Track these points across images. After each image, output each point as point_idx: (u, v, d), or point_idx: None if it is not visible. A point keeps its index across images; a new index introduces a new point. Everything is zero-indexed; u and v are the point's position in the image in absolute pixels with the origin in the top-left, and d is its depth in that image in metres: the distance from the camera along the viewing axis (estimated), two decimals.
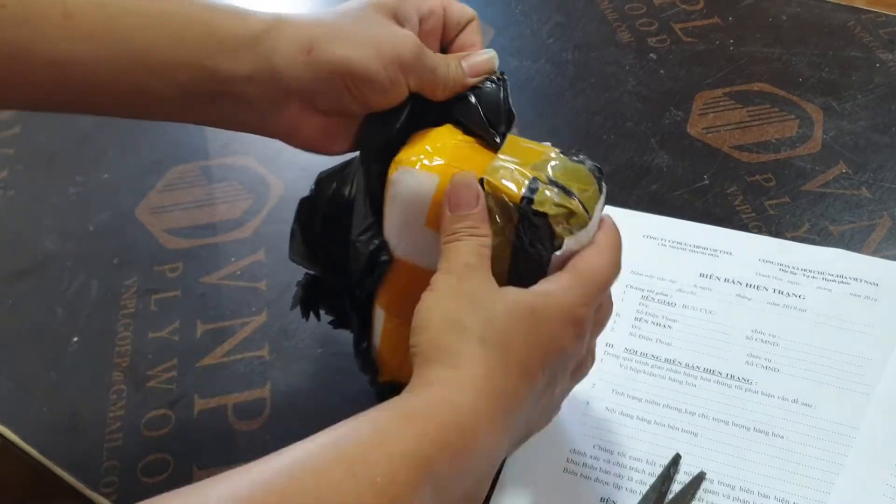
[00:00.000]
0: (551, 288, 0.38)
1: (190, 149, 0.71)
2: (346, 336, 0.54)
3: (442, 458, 0.32)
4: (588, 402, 0.50)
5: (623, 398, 0.50)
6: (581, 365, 0.42)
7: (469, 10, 0.47)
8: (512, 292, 0.38)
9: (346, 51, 0.40)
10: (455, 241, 0.38)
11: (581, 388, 0.50)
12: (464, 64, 0.44)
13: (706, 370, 0.52)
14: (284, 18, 0.41)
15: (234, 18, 0.41)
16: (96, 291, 0.59)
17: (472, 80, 0.44)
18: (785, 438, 0.48)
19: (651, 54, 0.78)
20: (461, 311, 0.37)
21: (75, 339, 0.56)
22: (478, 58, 0.44)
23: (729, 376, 0.51)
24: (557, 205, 0.38)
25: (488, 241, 0.39)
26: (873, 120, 0.69)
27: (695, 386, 0.51)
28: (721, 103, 0.72)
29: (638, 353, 0.53)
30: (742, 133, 0.69)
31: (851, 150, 0.66)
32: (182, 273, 0.60)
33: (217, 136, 0.72)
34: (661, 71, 0.76)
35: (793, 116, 0.70)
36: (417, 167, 0.41)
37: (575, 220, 0.39)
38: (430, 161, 0.41)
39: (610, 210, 0.61)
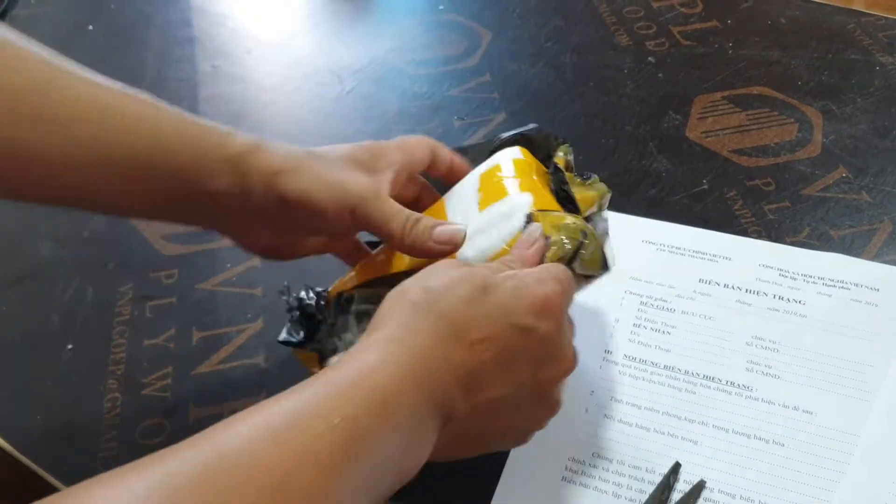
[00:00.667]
0: (520, 272, 0.40)
1: None
2: None
3: (366, 421, 0.33)
4: (587, 410, 0.49)
5: (622, 405, 0.50)
6: (565, 357, 0.41)
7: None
8: (471, 268, 0.40)
9: (303, 185, 0.44)
10: None
11: (579, 395, 0.50)
12: (434, 231, 0.45)
13: (706, 377, 0.51)
14: (262, 144, 0.45)
15: (221, 137, 0.44)
16: (91, 298, 0.59)
17: (436, 247, 0.45)
18: (786, 446, 0.47)
19: (649, 58, 0.78)
20: (412, 281, 0.39)
21: (70, 346, 0.56)
22: (448, 228, 0.45)
23: (729, 383, 0.51)
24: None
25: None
26: (873, 123, 0.68)
27: (694, 393, 0.50)
28: (720, 107, 0.72)
29: (637, 360, 0.52)
30: (741, 137, 0.68)
31: (851, 153, 0.66)
32: (178, 279, 0.60)
33: None
34: (660, 74, 0.76)
35: (792, 120, 0.70)
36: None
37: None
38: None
39: (609, 215, 0.61)
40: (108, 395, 0.52)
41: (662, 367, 0.52)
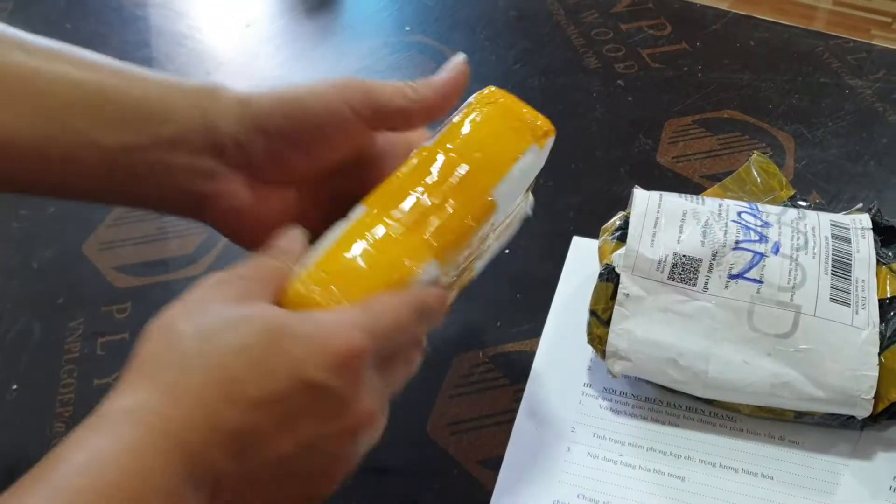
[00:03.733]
0: (320, 315, 0.33)
1: None
2: None
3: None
4: (569, 448, 0.47)
5: (605, 442, 0.47)
6: (362, 415, 0.33)
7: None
8: (258, 306, 0.32)
9: (281, 96, 0.38)
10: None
11: (560, 434, 0.48)
12: (435, 84, 0.40)
13: (689, 408, 0.49)
14: (220, 86, 0.39)
15: (164, 80, 0.39)
16: (38, 334, 0.55)
17: (443, 103, 0.40)
18: (774, 479, 0.46)
19: (619, 80, 0.77)
20: (184, 315, 0.32)
21: (14, 386, 0.52)
22: (440, 74, 0.40)
23: (713, 414, 0.49)
24: None
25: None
26: (845, 148, 0.68)
27: (678, 426, 0.48)
28: (691, 131, 0.71)
29: (617, 392, 0.50)
30: (713, 162, 0.67)
31: (825, 179, 0.65)
32: (131, 314, 0.56)
33: None
34: (630, 98, 0.75)
35: (764, 144, 0.69)
36: None
37: None
38: None
39: (580, 241, 0.60)
40: (55, 440, 0.49)
41: (643, 398, 0.50)
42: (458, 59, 0.42)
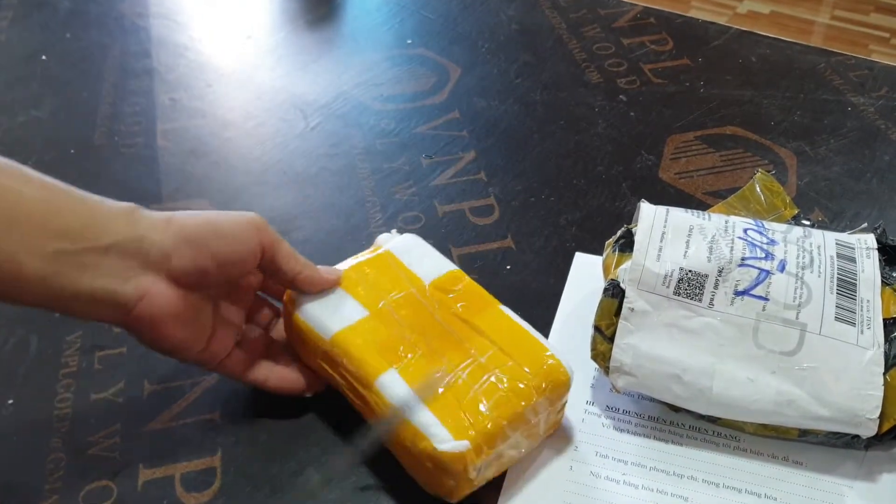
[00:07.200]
0: None
1: (140, 193, 0.66)
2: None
3: None
4: (571, 467, 0.47)
5: (608, 461, 0.47)
6: None
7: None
8: None
9: (202, 217, 0.45)
10: None
11: (563, 452, 0.47)
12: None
13: (692, 427, 0.49)
14: (140, 207, 0.44)
15: (100, 199, 0.43)
16: (35, 348, 0.55)
17: (325, 275, 0.48)
18: (778, 500, 0.45)
19: (621, 95, 0.76)
20: None
21: (10, 401, 0.51)
22: (328, 268, 0.49)
23: (716, 433, 0.48)
24: None
25: None
26: (847, 165, 0.68)
27: (681, 445, 0.48)
28: (693, 147, 0.70)
29: (620, 411, 0.50)
30: (715, 179, 0.67)
31: (827, 197, 0.65)
32: None
33: (169, 180, 0.68)
34: (632, 113, 0.74)
35: (766, 161, 0.69)
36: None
37: None
38: None
39: (583, 257, 0.59)
40: (51, 456, 0.48)
41: (647, 417, 0.49)
42: (336, 275, 0.50)
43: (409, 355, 0.45)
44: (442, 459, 0.41)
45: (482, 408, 0.42)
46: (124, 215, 0.43)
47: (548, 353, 0.45)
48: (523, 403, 0.43)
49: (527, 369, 0.44)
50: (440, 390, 0.43)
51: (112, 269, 0.42)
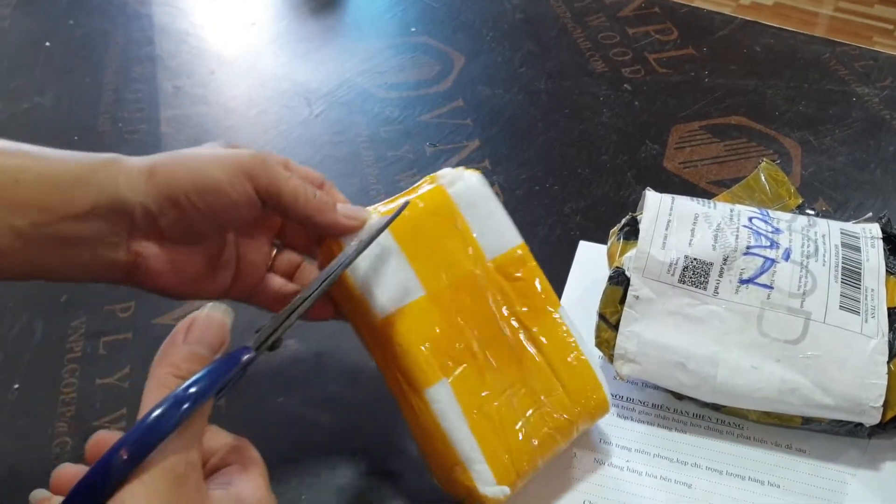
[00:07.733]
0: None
1: None
2: (303, 382, 0.50)
3: None
4: (575, 454, 0.47)
5: (612, 448, 0.47)
6: None
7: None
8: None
9: (186, 166, 0.40)
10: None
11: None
12: (339, 207, 0.43)
13: (696, 415, 0.49)
14: (122, 156, 0.41)
15: (70, 157, 0.40)
16: (40, 333, 0.55)
17: (343, 221, 0.43)
18: (781, 488, 0.45)
19: (625, 85, 0.76)
20: None
21: (16, 385, 0.51)
22: (353, 207, 0.44)
23: (720, 421, 0.49)
24: None
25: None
26: (852, 156, 0.68)
27: (685, 433, 0.48)
28: (697, 137, 0.70)
29: (624, 398, 0.50)
30: (720, 168, 0.67)
31: (832, 187, 0.65)
32: (134, 313, 0.56)
33: None
34: (636, 102, 0.74)
35: (771, 151, 0.69)
36: None
37: None
38: None
39: (587, 245, 0.59)
40: (56, 440, 0.48)
41: (650, 405, 0.49)
42: (366, 212, 0.44)
43: (464, 365, 0.43)
44: (481, 500, 0.41)
45: (526, 448, 0.42)
46: (102, 169, 0.39)
47: (597, 385, 0.45)
48: (564, 441, 0.44)
49: (572, 402, 0.44)
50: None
51: (97, 236, 0.39)
